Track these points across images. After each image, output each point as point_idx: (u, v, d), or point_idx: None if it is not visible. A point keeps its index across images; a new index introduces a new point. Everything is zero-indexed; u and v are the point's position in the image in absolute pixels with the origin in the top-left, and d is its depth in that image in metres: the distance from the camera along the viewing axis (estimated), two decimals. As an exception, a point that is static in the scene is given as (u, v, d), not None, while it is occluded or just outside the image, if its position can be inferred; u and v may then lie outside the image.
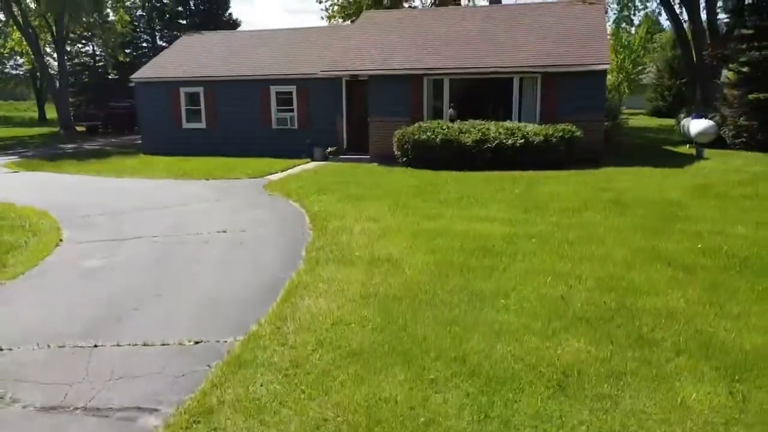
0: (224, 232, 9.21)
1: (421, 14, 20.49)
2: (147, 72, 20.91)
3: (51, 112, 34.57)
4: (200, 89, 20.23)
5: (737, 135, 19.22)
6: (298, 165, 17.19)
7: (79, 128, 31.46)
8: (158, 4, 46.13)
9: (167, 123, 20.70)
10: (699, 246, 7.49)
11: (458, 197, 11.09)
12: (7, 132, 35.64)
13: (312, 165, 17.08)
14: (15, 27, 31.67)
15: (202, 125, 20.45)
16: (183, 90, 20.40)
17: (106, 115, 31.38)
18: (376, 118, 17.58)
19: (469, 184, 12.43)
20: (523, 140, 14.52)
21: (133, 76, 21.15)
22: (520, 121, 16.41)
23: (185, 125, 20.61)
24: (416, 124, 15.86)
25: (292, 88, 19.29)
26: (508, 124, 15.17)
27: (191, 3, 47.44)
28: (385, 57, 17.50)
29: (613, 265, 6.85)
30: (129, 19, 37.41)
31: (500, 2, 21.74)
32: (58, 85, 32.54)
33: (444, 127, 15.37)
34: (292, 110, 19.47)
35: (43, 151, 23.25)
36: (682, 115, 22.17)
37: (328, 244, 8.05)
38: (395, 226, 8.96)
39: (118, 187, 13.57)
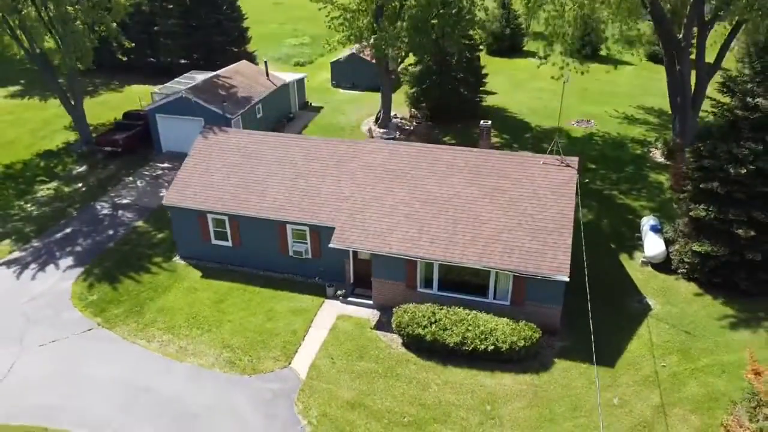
0: None
1: (418, 152, 22.85)
2: (174, 197, 23.74)
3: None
4: (225, 218, 23.43)
5: (681, 262, 22.97)
6: (317, 316, 21.35)
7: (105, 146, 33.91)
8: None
9: (198, 238, 24.17)
10: None
11: (438, 464, 15.88)
12: (23, 143, 37.67)
13: (328, 321, 21.17)
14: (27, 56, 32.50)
15: (229, 244, 23.97)
16: (210, 216, 23.59)
17: (124, 140, 33.70)
18: (378, 279, 21.36)
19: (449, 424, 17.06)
20: (493, 347, 18.72)
21: (164, 202, 24.06)
22: (495, 297, 20.35)
23: (214, 242, 24.10)
24: (411, 311, 19.80)
25: (306, 229, 22.59)
26: (483, 325, 19.13)
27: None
28: (385, 233, 20.70)
29: None
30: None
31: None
32: (73, 103, 34.22)
33: (433, 320, 19.41)
34: (306, 243, 22.94)
35: (89, 237, 26.67)
36: (643, 220, 25.43)
37: None
38: None
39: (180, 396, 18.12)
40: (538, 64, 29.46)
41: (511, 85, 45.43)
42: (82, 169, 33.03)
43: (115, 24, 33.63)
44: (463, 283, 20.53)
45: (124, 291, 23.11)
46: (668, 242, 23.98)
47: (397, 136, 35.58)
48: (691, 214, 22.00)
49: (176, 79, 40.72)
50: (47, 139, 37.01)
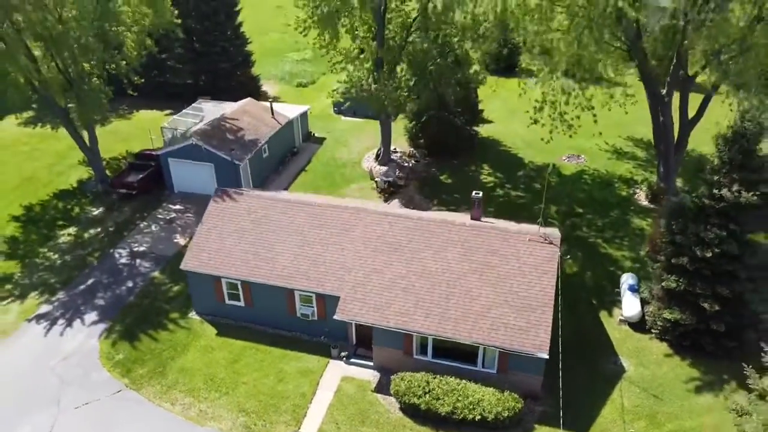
0: None
1: (415, 225, 24.90)
2: (191, 263, 25.82)
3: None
4: (238, 282, 25.56)
5: (654, 323, 25.17)
6: (322, 377, 23.62)
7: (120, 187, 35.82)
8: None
9: (213, 298, 26.35)
10: None
11: None
12: (39, 185, 39.51)
13: (333, 383, 23.47)
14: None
15: (241, 304, 26.14)
16: (224, 280, 25.73)
17: (139, 183, 35.64)
18: (379, 346, 23.59)
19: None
20: (480, 416, 21.03)
21: (182, 266, 26.11)
22: (483, 366, 22.57)
23: (228, 302, 26.28)
24: (408, 380, 22.06)
25: (312, 295, 24.74)
26: (471, 395, 21.38)
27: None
28: (383, 306, 22.84)
29: None
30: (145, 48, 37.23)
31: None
32: (89, 145, 36.02)
33: (427, 390, 21.68)
34: (312, 307, 25.11)
35: (109, 289, 28.84)
36: (623, 278, 27.54)
37: None
38: None
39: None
40: (529, 123, 31.15)
41: (507, 111, 46.88)
42: (98, 211, 35.01)
43: (124, 62, 35.14)
44: (455, 352, 22.74)
45: (146, 350, 25.36)
46: (644, 302, 26.15)
47: (397, 174, 37.41)
48: (663, 284, 24.11)
49: (184, 111, 42.46)
50: (63, 176, 38.90)
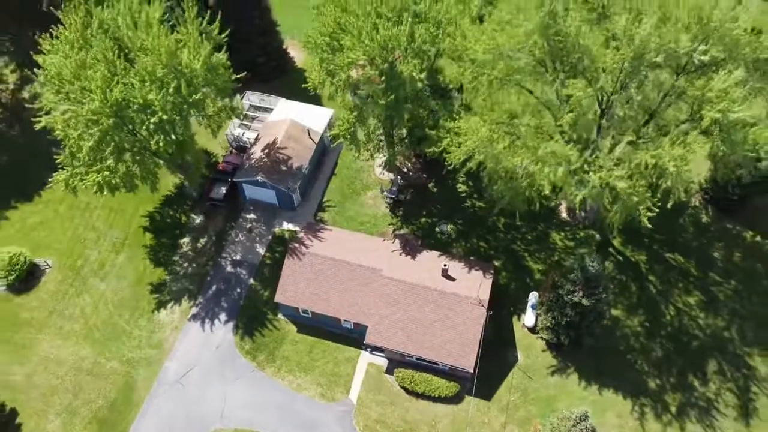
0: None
1: (407, 287, 43.57)
2: (281, 298, 45.17)
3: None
4: (309, 309, 45.36)
5: (543, 329, 45.63)
6: (358, 363, 44.96)
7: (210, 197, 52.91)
8: None
9: (293, 311, 46.44)
10: None
11: None
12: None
13: (363, 366, 44.83)
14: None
15: (309, 316, 46.33)
16: (300, 308, 45.53)
17: (225, 195, 52.39)
18: (387, 351, 44.50)
19: None
20: (437, 395, 42.92)
21: (275, 299, 45.41)
22: (441, 366, 43.70)
23: (301, 314, 46.44)
24: (402, 373, 43.38)
25: (351, 319, 44.81)
26: (434, 384, 42.85)
27: None
28: (390, 338, 43.07)
29: None
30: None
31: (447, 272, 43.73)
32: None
33: (412, 381, 43.22)
34: (350, 323, 45.34)
35: (227, 295, 48.55)
36: (530, 296, 46.96)
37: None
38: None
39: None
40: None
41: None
42: (199, 220, 52.56)
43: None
44: (428, 359, 43.69)
45: (260, 342, 46.22)
46: (538, 315, 46.18)
47: (399, 182, 53.78)
48: (543, 321, 44.04)
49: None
50: (164, 178, 54.96)
